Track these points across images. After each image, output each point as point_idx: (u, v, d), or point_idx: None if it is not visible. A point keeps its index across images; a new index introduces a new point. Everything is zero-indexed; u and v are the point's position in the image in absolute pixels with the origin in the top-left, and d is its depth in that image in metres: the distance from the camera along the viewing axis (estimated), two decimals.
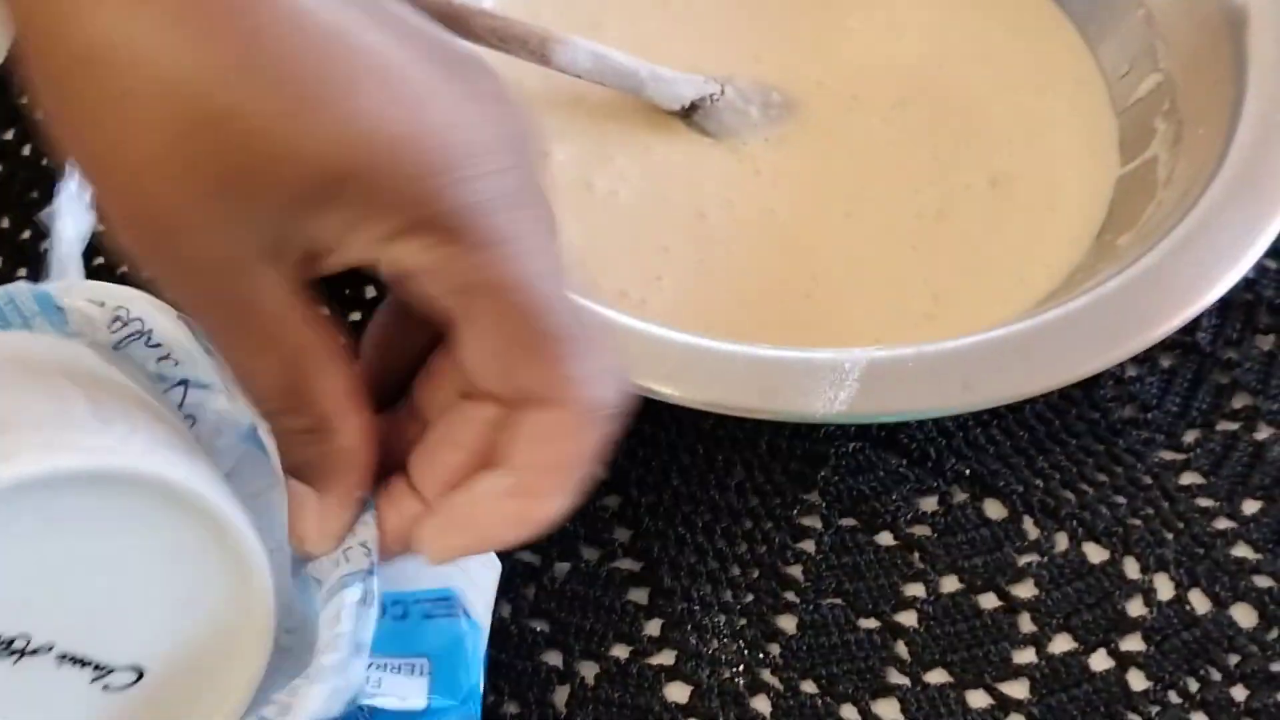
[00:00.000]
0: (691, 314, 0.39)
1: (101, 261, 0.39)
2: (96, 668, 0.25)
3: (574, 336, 0.25)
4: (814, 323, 0.40)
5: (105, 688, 0.25)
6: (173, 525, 0.24)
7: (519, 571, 0.37)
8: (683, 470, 0.39)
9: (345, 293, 0.42)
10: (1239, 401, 0.40)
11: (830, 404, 0.32)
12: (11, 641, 0.24)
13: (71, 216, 0.28)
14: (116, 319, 0.26)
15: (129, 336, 0.26)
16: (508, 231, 0.24)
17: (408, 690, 0.28)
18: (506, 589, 0.37)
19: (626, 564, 0.38)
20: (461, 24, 0.40)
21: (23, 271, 0.44)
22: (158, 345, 0.26)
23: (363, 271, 0.25)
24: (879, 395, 0.33)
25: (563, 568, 0.38)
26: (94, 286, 0.27)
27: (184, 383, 0.27)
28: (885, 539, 0.38)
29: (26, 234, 0.46)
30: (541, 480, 0.26)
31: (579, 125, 0.43)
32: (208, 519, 0.24)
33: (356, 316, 0.42)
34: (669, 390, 0.33)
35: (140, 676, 0.25)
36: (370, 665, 0.27)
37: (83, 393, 0.24)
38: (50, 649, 0.24)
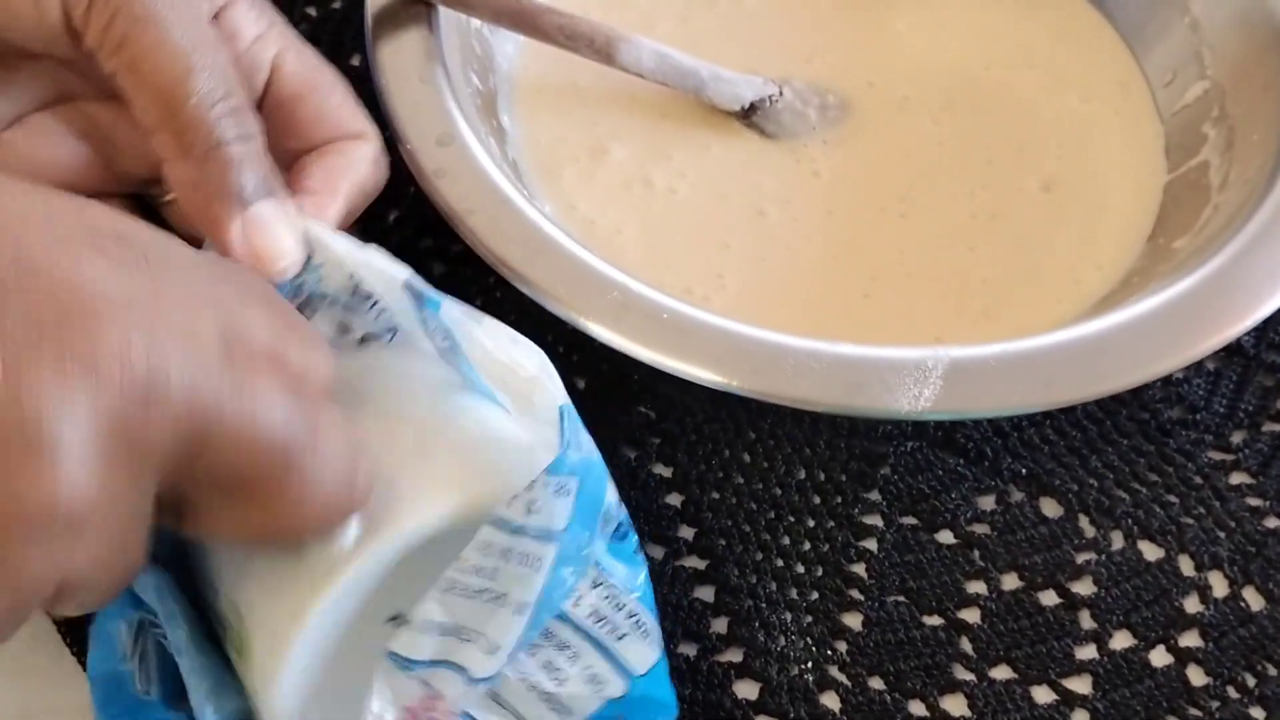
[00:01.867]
0: (754, 312, 0.39)
1: None
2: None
3: None
4: (873, 322, 0.40)
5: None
6: None
7: None
8: (744, 469, 0.39)
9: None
10: None
11: (915, 401, 0.33)
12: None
13: None
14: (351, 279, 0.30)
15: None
16: None
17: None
18: None
19: (692, 562, 0.38)
20: (529, 21, 0.39)
21: None
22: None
23: None
24: (963, 393, 0.33)
25: None
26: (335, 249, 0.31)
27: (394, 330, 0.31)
28: (946, 537, 0.39)
29: None
30: None
31: (635, 123, 0.43)
32: None
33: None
34: (754, 386, 0.33)
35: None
36: None
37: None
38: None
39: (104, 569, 0.23)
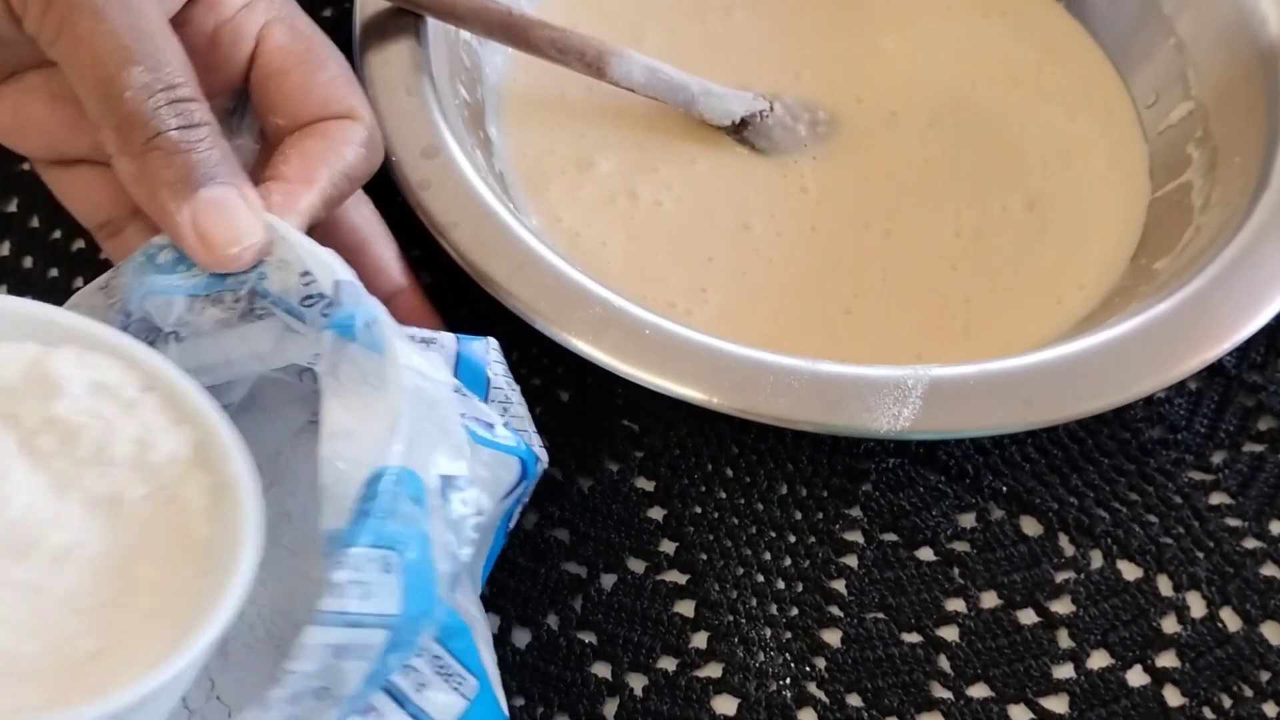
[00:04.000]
0: (735, 327, 0.39)
1: None
2: None
3: None
4: (854, 339, 0.40)
5: None
6: None
7: (566, 583, 0.37)
8: (726, 484, 0.39)
9: None
10: (1265, 424, 0.41)
11: (895, 420, 0.33)
12: None
13: None
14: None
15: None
16: None
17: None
18: (554, 600, 0.37)
19: (672, 576, 0.38)
20: (520, 34, 0.40)
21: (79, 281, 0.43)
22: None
23: None
24: (942, 412, 0.33)
25: (609, 580, 0.38)
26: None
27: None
28: (926, 554, 0.39)
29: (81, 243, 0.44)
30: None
31: (623, 136, 0.44)
32: None
33: None
34: (733, 403, 0.33)
35: None
36: None
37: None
38: None
39: None
